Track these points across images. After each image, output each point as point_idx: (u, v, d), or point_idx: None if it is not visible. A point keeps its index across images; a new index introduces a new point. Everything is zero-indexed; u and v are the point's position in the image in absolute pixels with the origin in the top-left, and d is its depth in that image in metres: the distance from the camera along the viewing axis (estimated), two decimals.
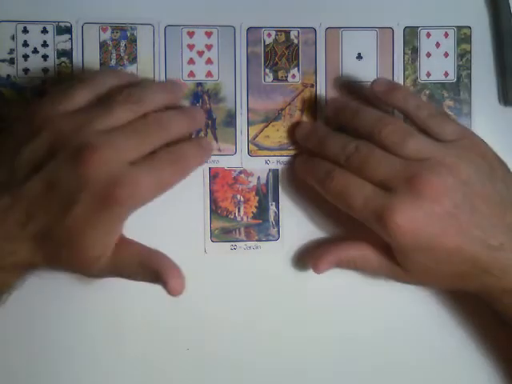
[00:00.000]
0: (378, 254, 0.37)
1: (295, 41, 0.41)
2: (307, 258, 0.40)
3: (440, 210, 0.34)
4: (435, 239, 0.34)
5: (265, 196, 0.41)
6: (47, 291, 0.39)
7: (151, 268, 0.34)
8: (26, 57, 0.39)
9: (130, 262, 0.34)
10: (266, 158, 0.41)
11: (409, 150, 0.35)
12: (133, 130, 0.33)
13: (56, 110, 0.33)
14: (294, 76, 0.41)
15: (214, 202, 0.41)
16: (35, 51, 0.39)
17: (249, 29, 0.40)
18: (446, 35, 0.41)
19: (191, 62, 0.40)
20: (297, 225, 0.41)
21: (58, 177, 0.31)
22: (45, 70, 0.39)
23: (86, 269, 0.33)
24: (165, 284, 0.33)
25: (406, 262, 0.36)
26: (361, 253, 0.37)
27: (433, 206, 0.33)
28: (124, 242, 0.34)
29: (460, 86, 0.42)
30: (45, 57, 0.39)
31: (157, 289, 0.40)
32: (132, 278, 0.34)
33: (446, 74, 0.42)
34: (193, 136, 0.40)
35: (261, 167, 0.41)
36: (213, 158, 0.40)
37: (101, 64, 0.40)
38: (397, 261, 0.36)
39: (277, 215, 0.41)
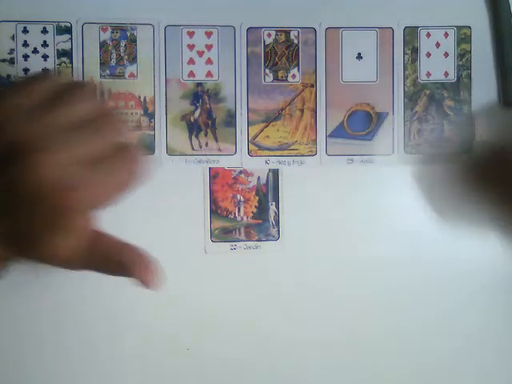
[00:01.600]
0: None
1: (295, 41, 0.41)
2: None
3: None
4: None
5: (265, 196, 0.41)
6: (45, 291, 0.39)
7: (120, 261, 0.33)
8: (26, 57, 0.39)
9: (99, 256, 0.33)
10: (266, 158, 0.41)
11: None
12: (82, 129, 0.31)
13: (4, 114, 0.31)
14: (294, 76, 0.41)
15: (214, 202, 0.41)
16: (35, 51, 0.39)
17: (249, 29, 0.40)
18: (446, 35, 0.41)
19: (191, 62, 0.40)
20: (297, 225, 0.41)
21: (12, 181, 0.30)
22: (45, 70, 0.39)
23: (58, 266, 0.32)
24: (137, 277, 0.32)
25: None
26: None
27: None
28: (97, 234, 0.33)
29: (460, 86, 0.42)
30: (45, 57, 0.40)
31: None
32: (103, 272, 0.33)
33: (446, 74, 0.42)
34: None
35: (261, 167, 0.41)
36: (213, 158, 0.40)
37: (101, 64, 0.40)
38: None
39: (277, 215, 0.41)
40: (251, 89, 0.41)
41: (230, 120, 0.41)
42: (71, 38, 0.40)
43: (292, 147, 0.41)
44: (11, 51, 0.39)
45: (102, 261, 0.33)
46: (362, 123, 0.41)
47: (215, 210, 0.41)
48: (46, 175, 0.29)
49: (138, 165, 0.33)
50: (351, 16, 0.41)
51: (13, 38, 0.39)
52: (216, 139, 0.40)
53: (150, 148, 0.40)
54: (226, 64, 0.40)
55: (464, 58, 0.42)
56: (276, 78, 0.41)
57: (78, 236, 0.32)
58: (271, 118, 0.41)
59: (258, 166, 0.41)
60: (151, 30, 0.40)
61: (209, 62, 0.40)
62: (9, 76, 0.39)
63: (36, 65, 0.39)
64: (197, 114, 0.40)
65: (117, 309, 0.40)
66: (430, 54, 0.42)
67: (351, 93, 0.41)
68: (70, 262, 0.32)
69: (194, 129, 0.40)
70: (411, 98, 0.41)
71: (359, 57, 0.41)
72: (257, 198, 0.41)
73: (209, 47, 0.40)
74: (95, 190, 0.30)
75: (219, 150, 0.41)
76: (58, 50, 0.40)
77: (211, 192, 0.41)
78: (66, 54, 0.40)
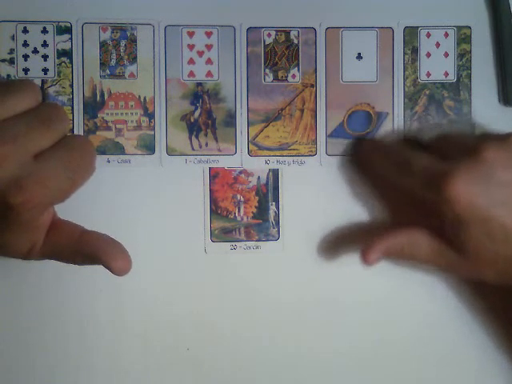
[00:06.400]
0: (427, 239, 0.35)
1: (295, 41, 0.41)
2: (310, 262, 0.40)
3: (503, 179, 0.33)
4: (493, 210, 0.33)
5: (265, 196, 0.41)
6: (44, 291, 0.39)
7: (86, 250, 0.31)
8: (26, 57, 0.39)
9: (64, 246, 0.32)
10: (266, 157, 0.41)
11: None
12: (29, 121, 0.29)
13: None
14: (294, 76, 0.41)
15: (214, 202, 0.41)
16: (35, 51, 0.39)
17: (249, 29, 0.40)
18: (446, 35, 0.41)
19: (191, 62, 0.40)
20: (297, 225, 0.41)
21: None
22: (45, 70, 0.39)
23: (22, 259, 0.32)
24: (106, 265, 0.31)
25: (459, 237, 0.34)
26: (410, 239, 0.36)
27: (495, 173, 0.33)
28: (56, 225, 0.32)
29: (460, 86, 0.42)
30: (45, 57, 0.39)
31: (156, 288, 0.40)
32: (71, 261, 0.32)
33: (446, 74, 0.42)
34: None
35: (261, 167, 0.41)
36: (213, 158, 0.40)
37: (101, 64, 0.40)
38: (449, 243, 0.35)
39: (277, 215, 0.41)
40: (251, 89, 0.41)
41: (230, 120, 0.41)
42: (71, 38, 0.40)
43: (292, 147, 0.41)
44: (11, 51, 0.39)
45: (66, 250, 0.32)
46: (361, 123, 0.41)
47: (215, 210, 0.41)
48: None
49: (90, 156, 0.31)
50: (351, 16, 0.41)
51: (13, 38, 0.39)
52: (216, 139, 0.40)
53: (150, 148, 0.40)
54: (226, 64, 0.40)
55: (464, 58, 0.42)
56: (276, 78, 0.41)
57: (33, 230, 0.30)
58: (271, 118, 0.41)
59: (258, 166, 0.41)
60: (151, 30, 0.40)
61: (209, 62, 0.40)
62: (9, 76, 0.39)
63: (36, 65, 0.39)
64: (197, 113, 0.40)
65: (116, 309, 0.40)
66: (430, 54, 0.42)
67: (351, 93, 0.41)
68: (30, 254, 0.31)
69: (194, 129, 0.40)
70: (411, 98, 0.41)
71: (359, 57, 0.41)
72: (257, 198, 0.41)
73: (209, 47, 0.40)
74: (47, 183, 0.28)
75: (219, 150, 0.41)
76: (57, 49, 0.40)
77: (211, 192, 0.41)
78: (66, 53, 0.40)
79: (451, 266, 0.36)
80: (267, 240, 0.41)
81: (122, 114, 0.40)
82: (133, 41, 0.40)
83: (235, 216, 0.41)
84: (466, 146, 0.35)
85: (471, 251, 0.34)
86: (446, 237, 0.35)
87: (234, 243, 0.41)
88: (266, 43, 0.41)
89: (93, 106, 0.40)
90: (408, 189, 0.35)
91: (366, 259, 0.36)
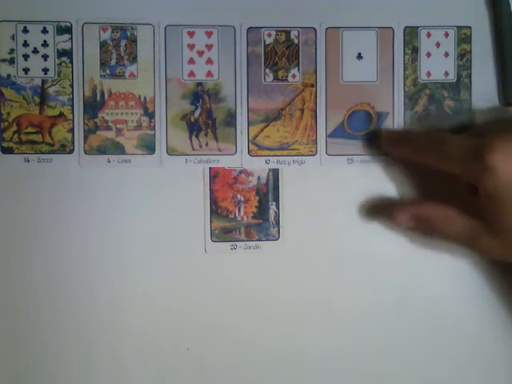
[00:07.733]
0: (460, 217, 0.36)
1: (295, 41, 0.41)
2: None
3: None
4: None
5: (265, 196, 0.41)
6: (44, 291, 0.39)
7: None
8: (26, 57, 0.39)
9: None
10: (266, 157, 0.41)
11: None
12: None
13: None
14: (294, 76, 0.41)
15: (214, 201, 0.41)
16: (35, 51, 0.39)
17: (249, 29, 0.41)
18: (446, 35, 0.42)
19: (191, 61, 0.40)
20: (297, 225, 0.41)
21: None
22: (45, 70, 0.39)
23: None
24: None
25: (494, 214, 0.34)
26: (443, 213, 0.36)
27: None
28: None
29: (460, 86, 0.42)
30: (45, 57, 0.40)
31: (156, 289, 0.40)
32: None
33: (446, 74, 0.42)
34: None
35: (261, 167, 0.41)
36: (213, 157, 0.40)
37: (101, 64, 0.40)
38: (482, 222, 0.35)
39: (277, 215, 0.41)
40: (251, 89, 0.41)
41: (230, 120, 0.41)
42: (71, 38, 0.40)
43: (292, 147, 0.41)
44: (11, 51, 0.39)
45: None
46: (362, 123, 0.41)
47: (215, 210, 0.41)
48: None
49: None
50: (351, 16, 0.41)
51: (13, 37, 0.39)
52: (216, 139, 0.41)
53: (150, 148, 0.40)
54: (226, 64, 0.41)
55: (464, 58, 0.42)
56: (276, 78, 0.41)
57: None
58: (271, 118, 0.41)
59: (258, 166, 0.41)
60: (151, 30, 0.40)
61: (209, 61, 0.40)
62: (9, 76, 0.39)
63: (36, 65, 0.39)
64: (197, 113, 0.40)
65: (116, 309, 0.40)
66: (430, 54, 0.42)
67: (351, 93, 0.41)
68: None
69: (194, 129, 0.40)
70: (411, 98, 0.41)
71: (359, 57, 0.41)
72: (257, 197, 0.41)
73: (209, 47, 0.40)
74: None
75: (219, 149, 0.41)
76: (57, 49, 0.40)
77: (211, 192, 0.41)
78: (66, 53, 0.40)
79: (481, 246, 0.35)
80: (267, 240, 0.41)
81: (122, 113, 0.40)
82: (133, 41, 0.40)
83: (235, 216, 0.41)
84: (502, 124, 0.35)
85: (506, 229, 0.34)
86: (479, 216, 0.35)
87: (234, 243, 0.41)
88: (266, 43, 0.41)
89: (93, 106, 0.40)
90: (444, 164, 0.36)
91: (396, 217, 0.37)
